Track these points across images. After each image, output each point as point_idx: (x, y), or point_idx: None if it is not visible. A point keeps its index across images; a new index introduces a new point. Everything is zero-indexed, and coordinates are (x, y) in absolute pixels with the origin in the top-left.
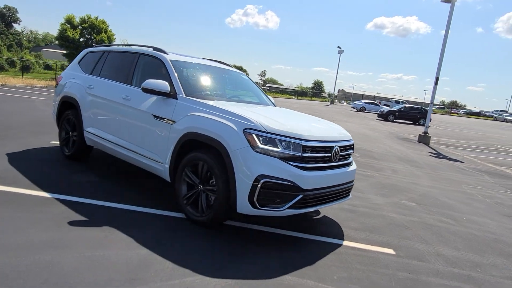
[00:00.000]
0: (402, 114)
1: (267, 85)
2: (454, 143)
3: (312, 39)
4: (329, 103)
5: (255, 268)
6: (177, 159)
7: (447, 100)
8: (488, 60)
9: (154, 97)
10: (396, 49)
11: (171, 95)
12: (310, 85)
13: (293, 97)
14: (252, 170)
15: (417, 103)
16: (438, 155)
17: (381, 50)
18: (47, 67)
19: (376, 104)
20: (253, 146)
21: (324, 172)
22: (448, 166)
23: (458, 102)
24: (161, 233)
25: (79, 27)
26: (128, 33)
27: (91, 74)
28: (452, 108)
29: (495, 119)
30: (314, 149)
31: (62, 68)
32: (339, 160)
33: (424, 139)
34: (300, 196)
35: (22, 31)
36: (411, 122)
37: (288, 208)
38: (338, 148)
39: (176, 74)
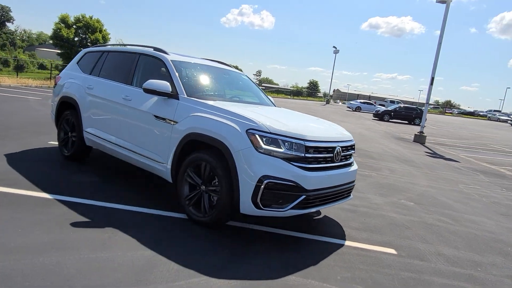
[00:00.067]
0: (398, 114)
1: (263, 84)
2: (449, 142)
3: (307, 38)
4: (325, 102)
5: (258, 269)
6: (179, 160)
7: (441, 100)
8: (482, 60)
9: (155, 98)
10: (391, 49)
11: (173, 95)
12: (306, 84)
13: (289, 96)
14: (255, 170)
15: (412, 103)
16: (434, 154)
17: (376, 50)
18: (41, 66)
19: (372, 104)
20: (256, 147)
21: (326, 173)
22: (444, 165)
23: (452, 102)
24: (163, 234)
25: (74, 26)
26: (123, 33)
27: (90, 74)
28: (446, 107)
29: (489, 118)
30: (317, 150)
31: (57, 67)
32: (341, 160)
33: (419, 138)
34: (303, 196)
35: (16, 30)
36: (406, 122)
37: (291, 208)
38: (340, 148)
39: (177, 75)
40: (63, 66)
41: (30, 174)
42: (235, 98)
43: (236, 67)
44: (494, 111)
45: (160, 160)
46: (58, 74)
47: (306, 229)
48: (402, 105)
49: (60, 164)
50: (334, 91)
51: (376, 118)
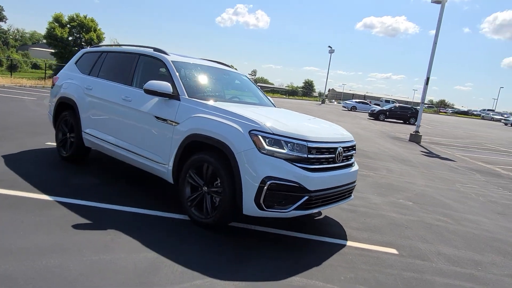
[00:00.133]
0: (393, 113)
1: (258, 84)
2: (445, 142)
3: (303, 38)
4: (320, 102)
5: (262, 270)
6: (180, 161)
7: (436, 99)
8: (475, 60)
9: (156, 98)
10: (385, 49)
11: (174, 96)
12: (301, 84)
13: (284, 96)
14: (258, 171)
15: (407, 102)
16: (430, 154)
17: (371, 50)
18: (35, 66)
19: (367, 104)
20: (259, 148)
21: (328, 173)
22: (440, 165)
23: (446, 101)
24: (166, 235)
25: (68, 25)
26: (122, 33)
27: (89, 74)
28: (440, 107)
29: (483, 118)
30: (319, 150)
31: (51, 67)
32: (342, 161)
33: (415, 138)
34: (306, 197)
35: (9, 30)
36: (402, 121)
37: (294, 209)
38: (342, 149)
39: (178, 75)
40: (57, 66)
41: (29, 175)
42: (235, 99)
43: (232, 67)
44: (488, 110)
45: (161, 161)
46: (53, 74)
47: (308, 229)
48: (397, 104)
49: (59, 165)
50: (329, 90)
51: (371, 118)
